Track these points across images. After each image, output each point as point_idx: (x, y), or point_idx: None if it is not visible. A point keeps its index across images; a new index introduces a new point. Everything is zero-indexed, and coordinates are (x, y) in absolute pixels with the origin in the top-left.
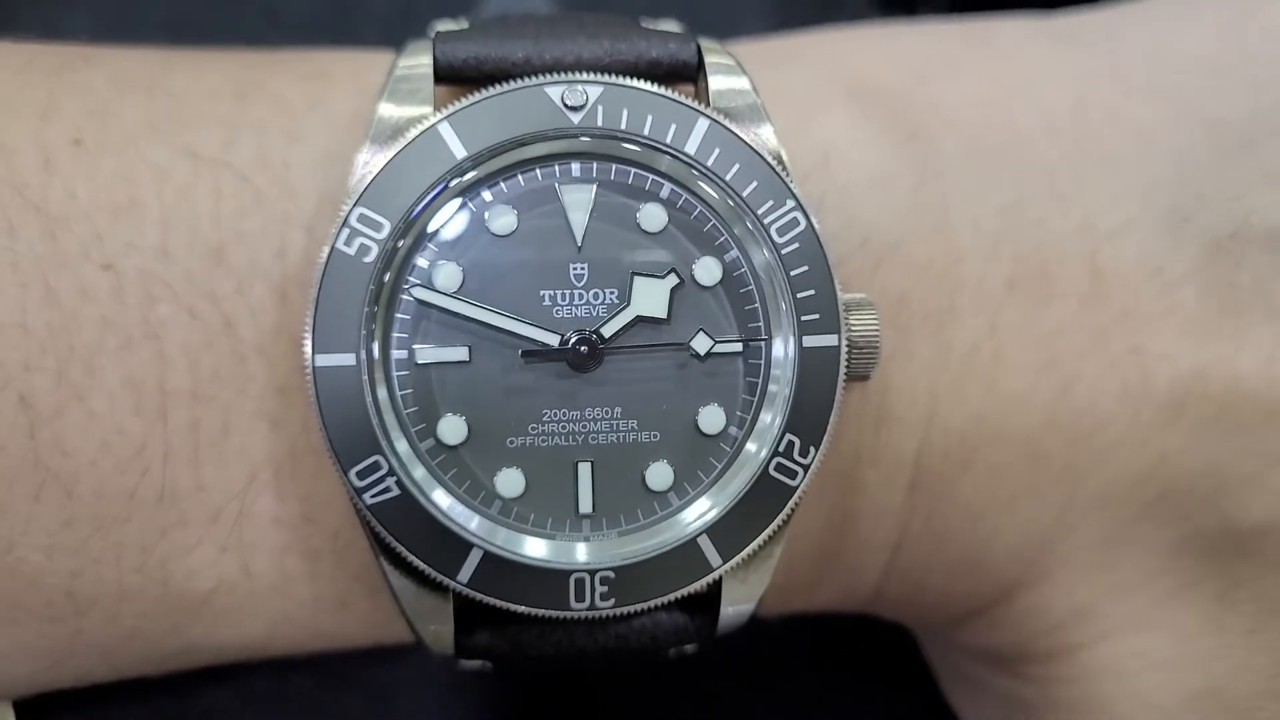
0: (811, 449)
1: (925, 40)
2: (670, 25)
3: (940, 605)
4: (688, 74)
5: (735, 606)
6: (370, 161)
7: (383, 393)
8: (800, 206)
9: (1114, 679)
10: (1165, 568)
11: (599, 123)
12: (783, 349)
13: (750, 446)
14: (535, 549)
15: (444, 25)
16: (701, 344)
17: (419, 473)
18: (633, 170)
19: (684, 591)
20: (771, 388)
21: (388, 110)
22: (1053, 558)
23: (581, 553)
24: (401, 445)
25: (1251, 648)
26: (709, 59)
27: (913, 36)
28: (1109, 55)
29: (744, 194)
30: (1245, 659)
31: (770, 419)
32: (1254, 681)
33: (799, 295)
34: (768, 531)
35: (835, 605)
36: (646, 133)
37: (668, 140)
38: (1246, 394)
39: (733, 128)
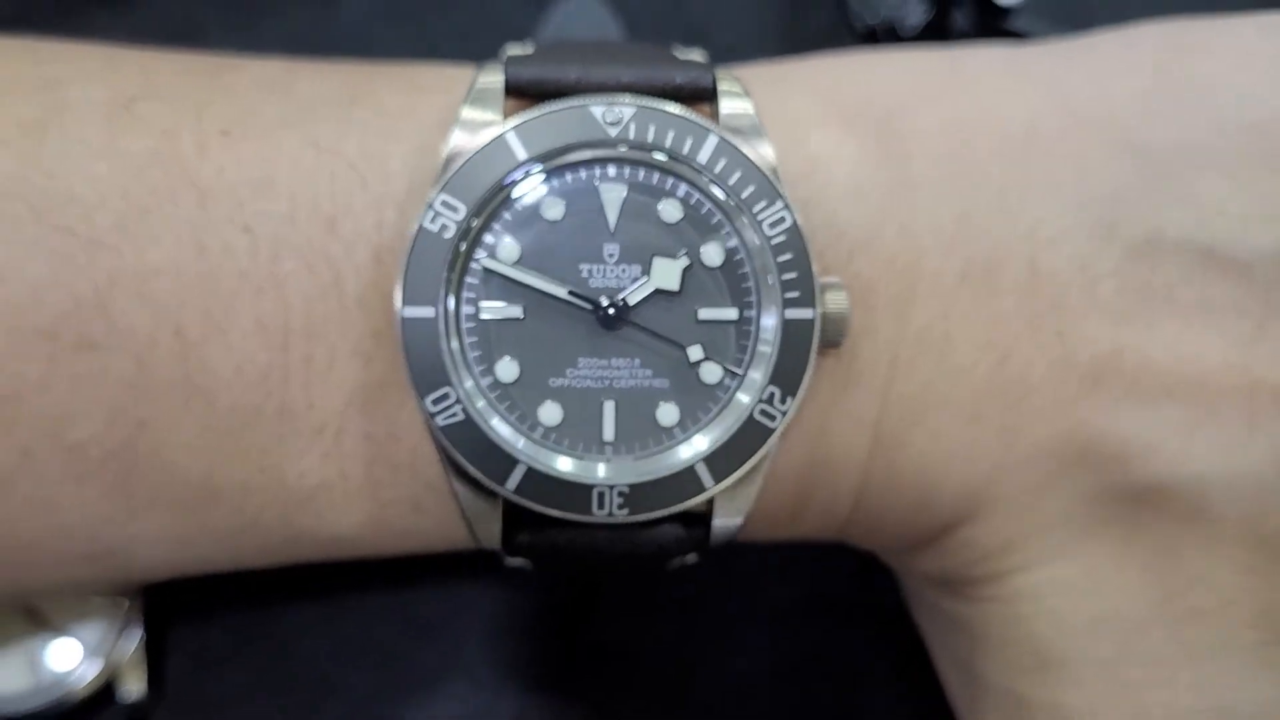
0: (789, 398)
1: (904, 68)
2: (696, 55)
3: (896, 538)
4: (705, 96)
5: (724, 522)
6: (451, 156)
7: (454, 339)
8: (787, 206)
9: (1033, 600)
10: (1080, 512)
11: (631, 136)
12: (770, 320)
13: (741, 396)
14: (567, 466)
15: (514, 50)
16: (695, 354)
17: (480, 403)
18: (657, 173)
19: (684, 506)
20: (761, 348)
21: (468, 114)
22: (984, 502)
23: (603, 471)
24: (466, 380)
25: (1144, 581)
26: (721, 85)
27: (894, 64)
28: (1058, 88)
29: (743, 195)
30: (1139, 589)
31: (759, 375)
32: (1144, 608)
33: (784, 276)
34: (752, 461)
35: (813, 535)
36: (668, 145)
37: (684, 151)
38: (1153, 372)
39: (736, 142)
